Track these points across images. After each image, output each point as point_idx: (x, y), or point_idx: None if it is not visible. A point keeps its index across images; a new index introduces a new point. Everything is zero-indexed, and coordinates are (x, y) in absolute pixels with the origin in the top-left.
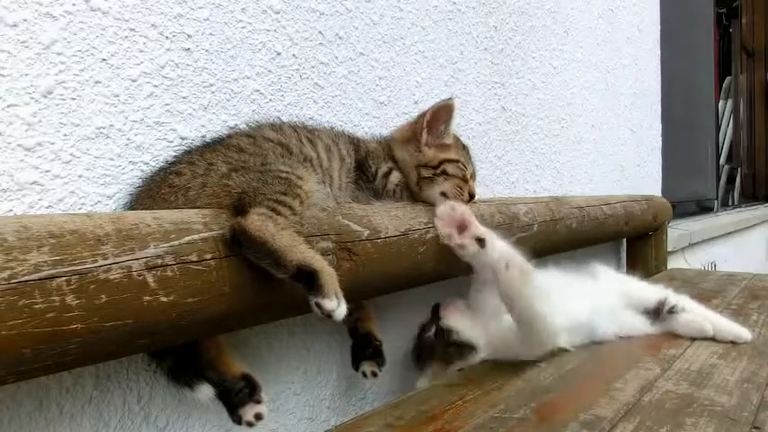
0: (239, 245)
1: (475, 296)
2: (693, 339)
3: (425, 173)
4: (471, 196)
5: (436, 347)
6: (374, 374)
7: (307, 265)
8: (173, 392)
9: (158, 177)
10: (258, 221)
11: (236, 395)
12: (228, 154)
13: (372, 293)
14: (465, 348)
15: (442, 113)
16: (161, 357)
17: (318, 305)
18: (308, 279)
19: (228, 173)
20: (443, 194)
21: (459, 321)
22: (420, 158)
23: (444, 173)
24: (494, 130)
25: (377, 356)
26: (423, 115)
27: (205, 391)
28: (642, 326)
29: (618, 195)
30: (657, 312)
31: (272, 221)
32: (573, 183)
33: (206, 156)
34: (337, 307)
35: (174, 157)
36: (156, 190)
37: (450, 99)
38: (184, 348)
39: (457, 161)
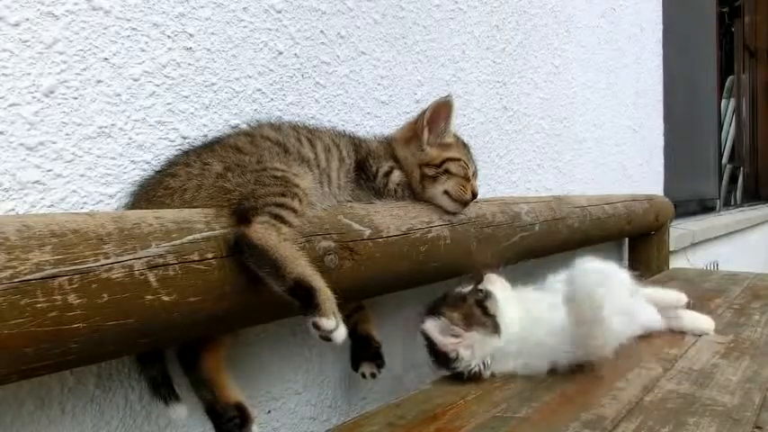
0: (241, 252)
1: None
2: (697, 337)
3: (428, 171)
4: (474, 195)
5: (467, 298)
6: (373, 376)
7: (306, 281)
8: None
9: (154, 180)
10: (261, 230)
11: (227, 423)
12: (224, 153)
13: (374, 293)
14: (490, 320)
15: (441, 111)
16: (147, 365)
17: (316, 325)
18: (306, 296)
19: (224, 173)
20: (446, 193)
21: (499, 290)
22: (422, 157)
23: (447, 171)
24: (495, 129)
25: (376, 358)
26: (422, 114)
27: (179, 411)
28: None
29: (620, 195)
30: None
31: (274, 230)
32: (574, 182)
33: (202, 156)
34: (336, 327)
35: (171, 158)
36: (153, 192)
37: (448, 96)
38: (185, 360)
39: (459, 159)
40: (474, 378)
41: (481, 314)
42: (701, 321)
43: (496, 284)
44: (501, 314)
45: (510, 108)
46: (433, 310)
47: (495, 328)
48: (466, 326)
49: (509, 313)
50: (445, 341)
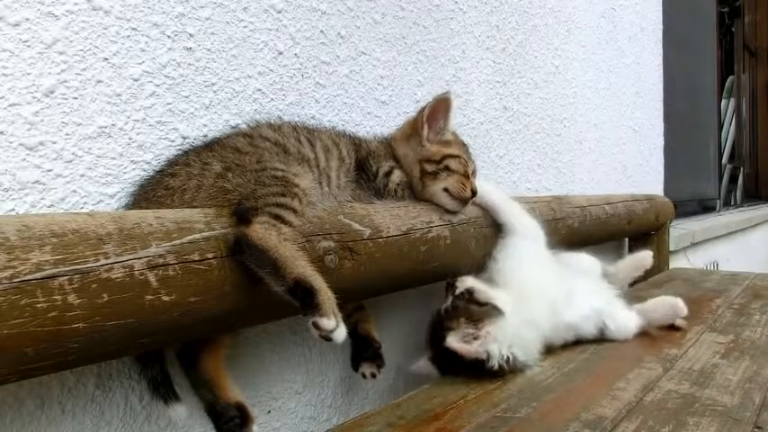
0: (241, 252)
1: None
2: (698, 338)
3: (429, 167)
4: (473, 193)
5: (458, 308)
6: (373, 376)
7: (305, 281)
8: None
9: (155, 180)
10: (261, 230)
11: (227, 423)
12: (224, 153)
13: (374, 293)
14: (490, 307)
15: (440, 107)
16: (147, 365)
17: (316, 325)
18: (306, 296)
19: (224, 172)
20: (446, 191)
21: (476, 283)
22: (423, 153)
23: (447, 168)
24: (495, 129)
25: (376, 358)
26: (422, 111)
27: (179, 411)
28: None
29: (620, 195)
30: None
31: (274, 230)
32: (575, 182)
33: (202, 156)
34: (336, 327)
35: (171, 158)
36: (152, 192)
37: (446, 93)
38: (185, 360)
39: (458, 156)
40: (509, 366)
41: (478, 307)
42: (638, 259)
43: (473, 279)
44: (494, 298)
45: (510, 108)
46: (436, 335)
47: (497, 310)
48: (474, 325)
49: (503, 299)
50: (471, 348)
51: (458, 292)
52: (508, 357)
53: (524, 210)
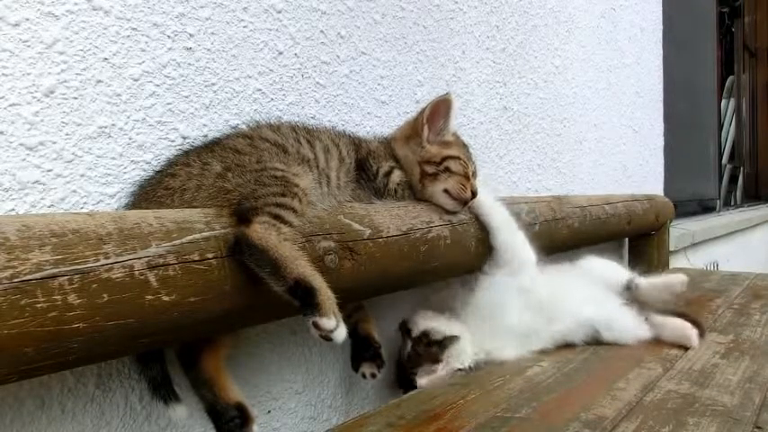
0: (241, 252)
1: (436, 300)
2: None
3: (429, 169)
4: (474, 194)
5: (421, 354)
6: (373, 376)
7: (305, 281)
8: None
9: (154, 180)
10: (261, 229)
11: (227, 423)
12: (224, 154)
13: (374, 293)
14: (447, 340)
15: (440, 108)
16: (147, 365)
17: (316, 324)
18: (305, 295)
19: (224, 172)
20: (446, 192)
21: (429, 322)
22: (423, 155)
23: (447, 169)
24: (495, 129)
25: (376, 358)
26: (422, 112)
27: (179, 411)
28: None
29: (620, 195)
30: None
31: (274, 230)
32: (575, 182)
33: (202, 156)
34: (336, 326)
35: (171, 158)
36: (152, 193)
37: (447, 94)
38: (185, 360)
39: (459, 158)
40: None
41: (438, 347)
42: (674, 280)
43: (423, 318)
44: (449, 331)
45: (510, 108)
46: (405, 378)
47: (453, 337)
48: (437, 360)
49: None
50: (438, 375)
51: (414, 335)
52: (470, 366)
53: (521, 238)
